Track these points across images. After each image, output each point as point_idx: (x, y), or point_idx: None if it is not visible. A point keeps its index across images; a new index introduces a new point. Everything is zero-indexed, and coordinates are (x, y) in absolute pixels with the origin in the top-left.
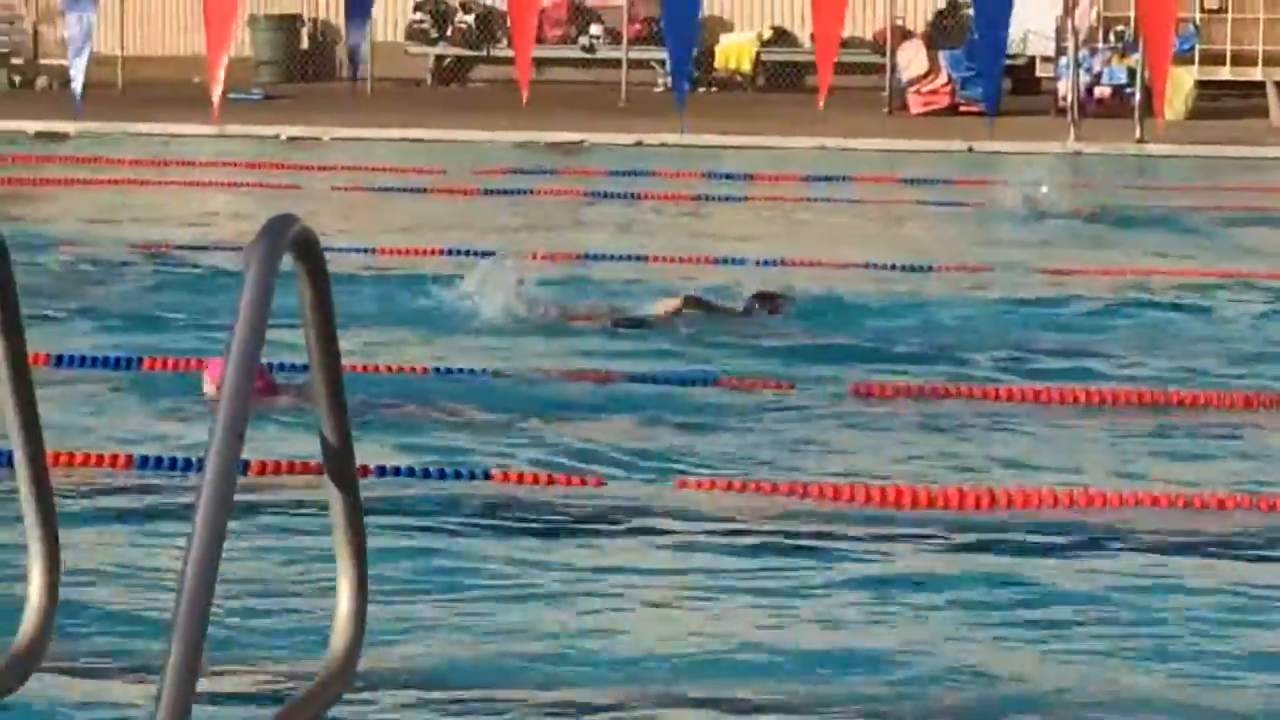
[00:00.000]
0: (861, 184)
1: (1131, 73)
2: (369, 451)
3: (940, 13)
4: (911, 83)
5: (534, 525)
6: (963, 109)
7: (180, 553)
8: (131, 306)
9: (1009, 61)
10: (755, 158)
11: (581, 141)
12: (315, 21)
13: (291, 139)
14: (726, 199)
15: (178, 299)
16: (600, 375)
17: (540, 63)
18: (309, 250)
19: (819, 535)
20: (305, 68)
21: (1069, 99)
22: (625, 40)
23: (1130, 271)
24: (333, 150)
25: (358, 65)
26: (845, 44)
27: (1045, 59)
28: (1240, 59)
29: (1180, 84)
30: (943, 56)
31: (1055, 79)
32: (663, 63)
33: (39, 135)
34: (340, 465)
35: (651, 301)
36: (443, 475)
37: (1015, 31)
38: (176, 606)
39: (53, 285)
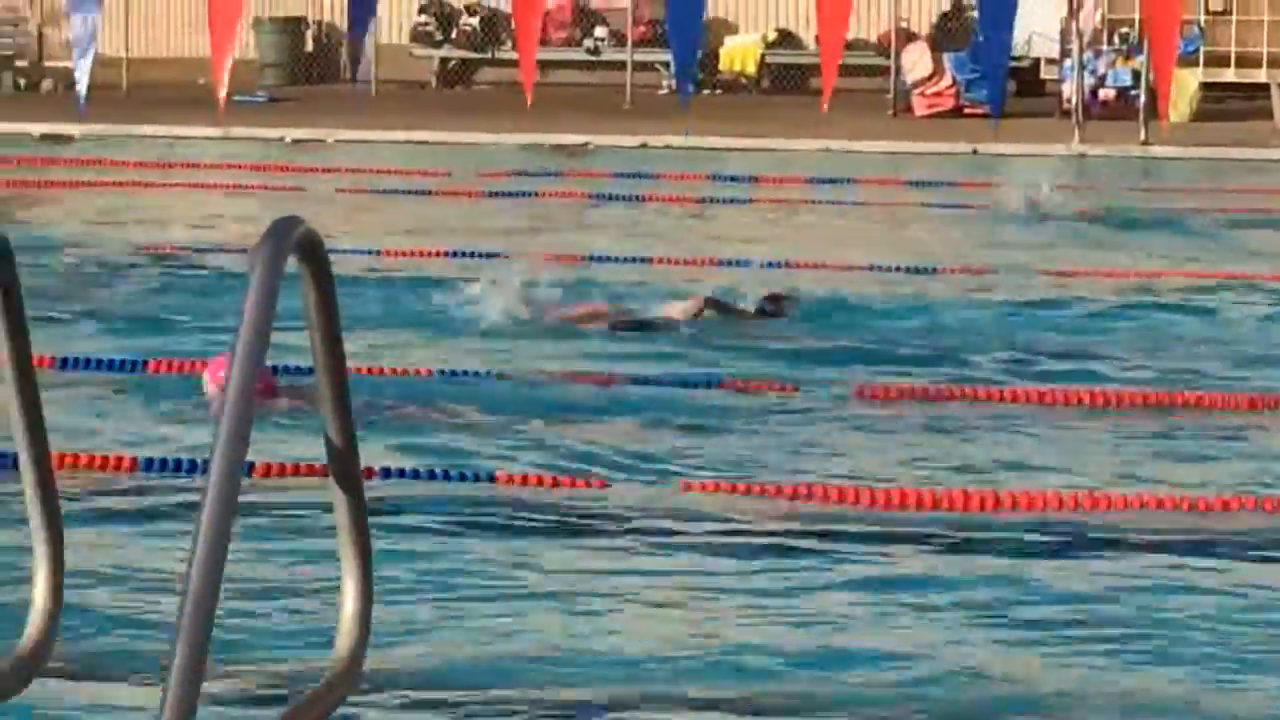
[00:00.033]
0: (866, 186)
1: (1136, 75)
2: (374, 453)
3: (945, 15)
4: (916, 85)
5: (539, 527)
6: (967, 111)
7: (184, 554)
8: (136, 309)
9: (1013, 64)
10: (760, 160)
11: (586, 144)
12: (320, 24)
13: (296, 141)
14: (731, 201)
15: (182, 301)
16: (605, 377)
17: (545, 65)
18: (314, 252)
19: (823, 537)
20: (310, 70)
21: (1073, 101)
22: (630, 42)
23: (1134, 273)
24: (337, 152)
25: (358, 66)
26: (850, 46)
27: (1050, 61)
28: (1245, 61)
29: (1185, 86)
30: (947, 59)
31: (1060, 81)
32: (667, 65)
33: (44, 138)
34: (345, 467)
35: (667, 303)
36: (447, 477)
37: (1020, 34)
38: (181, 608)
39: (57, 287)
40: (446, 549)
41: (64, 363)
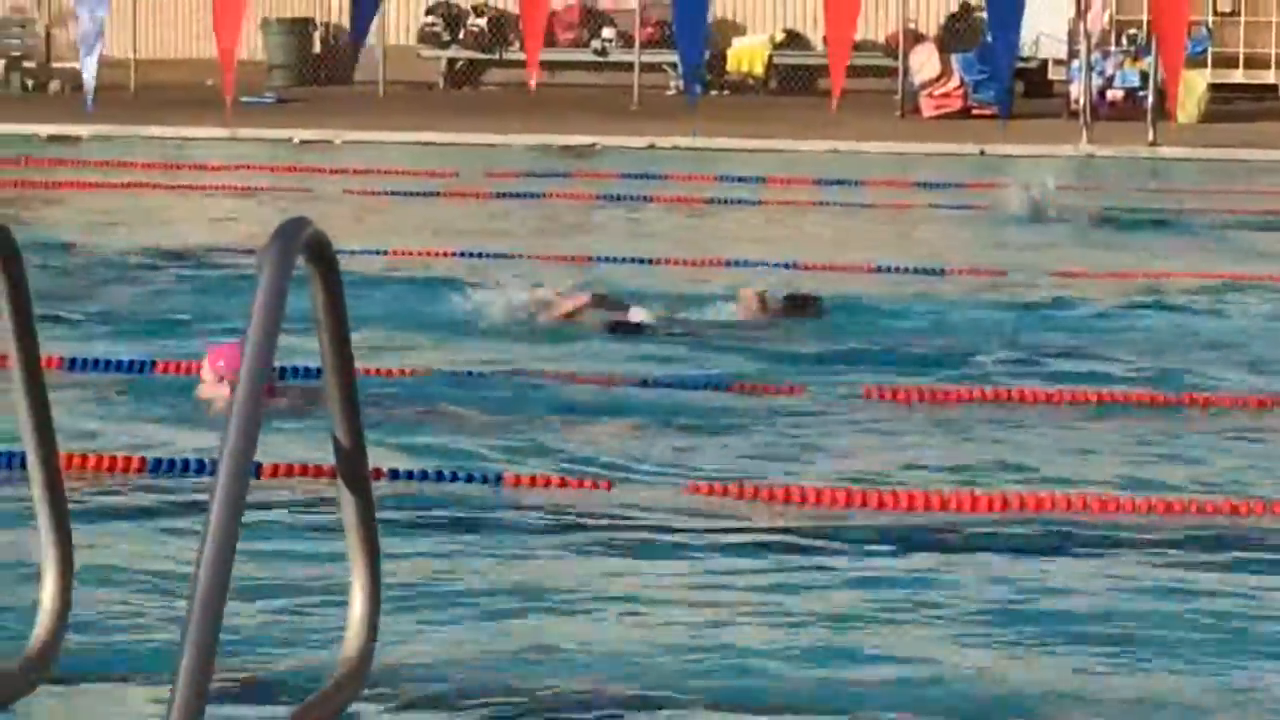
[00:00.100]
0: (874, 187)
1: (1144, 76)
2: (380, 454)
3: (952, 16)
4: (924, 86)
5: (544, 528)
6: (975, 112)
7: (192, 555)
8: (144, 309)
9: (1021, 64)
10: (767, 161)
11: (594, 145)
12: (327, 25)
13: (304, 142)
14: (738, 202)
15: (190, 302)
16: (611, 379)
17: (552, 66)
18: (322, 253)
19: (831, 538)
20: (317, 71)
21: (1081, 102)
22: (637, 43)
23: (1143, 274)
24: (345, 153)
25: (355, 62)
26: (858, 47)
27: (1058, 62)
28: (1253, 62)
29: (1193, 87)
30: (955, 59)
31: (1068, 82)
32: (675, 66)
33: (51, 138)
34: (353, 468)
35: (722, 302)
36: (454, 478)
37: (1027, 34)
38: (189, 608)
39: (65, 288)
40: (452, 550)
41: (72, 363)
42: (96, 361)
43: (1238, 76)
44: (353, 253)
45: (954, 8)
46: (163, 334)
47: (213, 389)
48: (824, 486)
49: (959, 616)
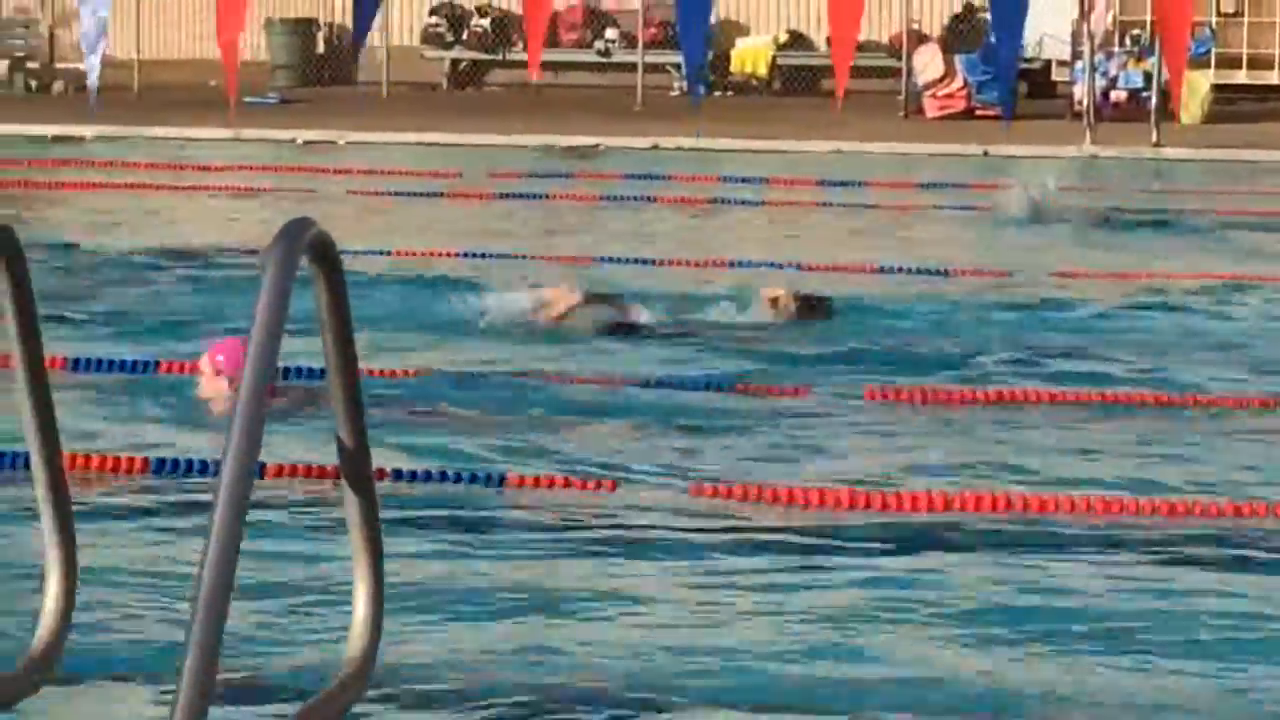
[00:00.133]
0: (877, 188)
1: (1147, 76)
2: (384, 454)
3: (956, 16)
4: (927, 86)
5: (547, 528)
6: (978, 113)
7: (196, 556)
8: (148, 310)
9: (1025, 65)
10: (771, 161)
11: (597, 145)
12: (331, 26)
13: (307, 143)
14: (742, 203)
15: (194, 302)
16: (614, 380)
17: (556, 66)
18: (325, 254)
19: (833, 540)
20: (321, 72)
21: (1085, 103)
22: (641, 44)
23: (1146, 275)
24: (348, 154)
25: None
26: (861, 48)
27: (1061, 63)
28: (1257, 62)
29: (1196, 88)
30: (958, 60)
31: (1071, 83)
32: (678, 66)
33: (55, 139)
34: (357, 468)
35: (750, 303)
36: (458, 479)
37: (1031, 35)
38: (193, 609)
39: (69, 289)
40: (455, 550)
41: (75, 363)
42: (100, 362)
43: (1241, 77)
44: (356, 253)
45: (957, 8)
46: (166, 334)
47: (211, 383)
48: (827, 487)
49: (961, 617)
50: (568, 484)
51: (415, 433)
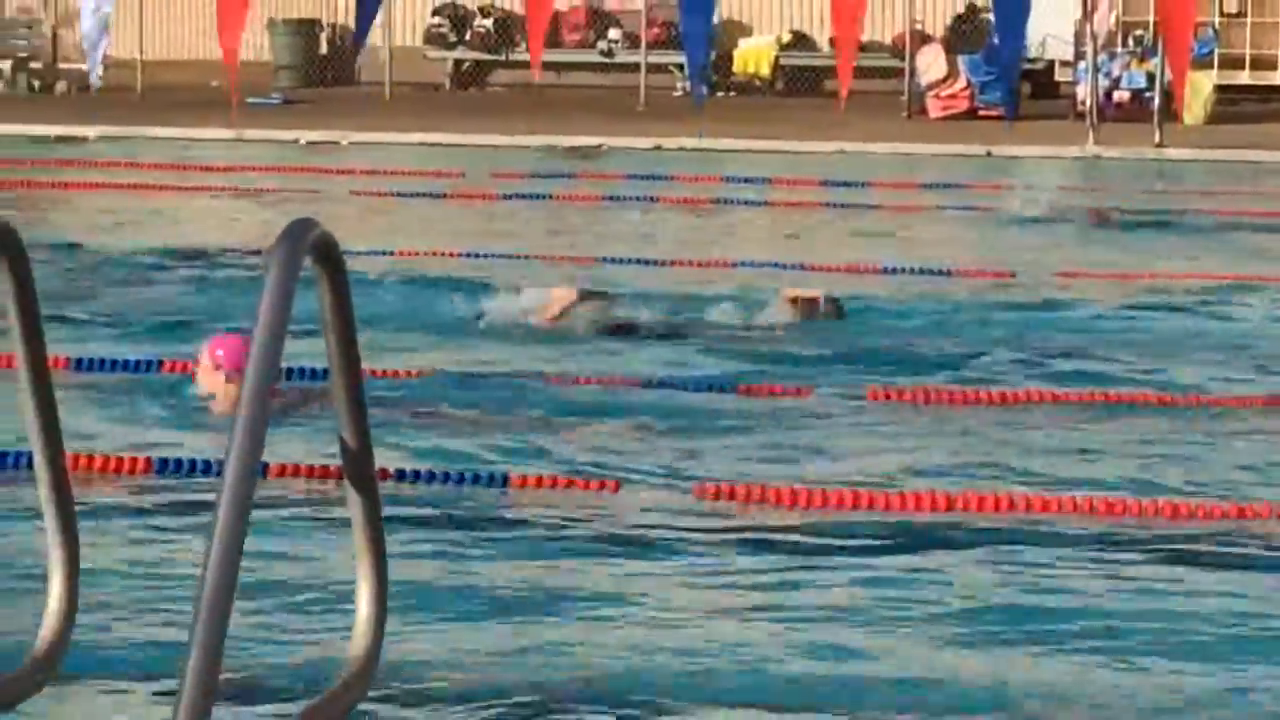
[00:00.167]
0: (880, 188)
1: (1150, 77)
2: (386, 455)
3: (959, 17)
4: (930, 87)
5: (550, 529)
6: (981, 113)
7: (199, 555)
8: (151, 310)
9: (1028, 66)
10: (774, 162)
11: (600, 145)
12: (334, 26)
13: (310, 143)
14: (745, 203)
15: (197, 302)
16: (617, 380)
17: (559, 67)
18: (329, 254)
19: (837, 541)
20: (324, 72)
21: (1088, 103)
22: (644, 44)
23: (1149, 276)
24: (351, 154)
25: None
26: (864, 48)
27: (1064, 63)
28: (1260, 63)
29: (1199, 88)
30: (961, 61)
31: (1074, 83)
32: (681, 67)
33: (58, 139)
34: (360, 469)
35: (772, 305)
36: (461, 479)
37: (1034, 36)
38: (196, 609)
39: (72, 289)
40: (458, 551)
41: (78, 363)
42: (103, 361)
43: (1244, 78)
44: (359, 254)
45: (960, 9)
46: (169, 334)
47: (210, 378)
48: (829, 488)
49: (962, 616)
50: (570, 484)
51: (418, 433)
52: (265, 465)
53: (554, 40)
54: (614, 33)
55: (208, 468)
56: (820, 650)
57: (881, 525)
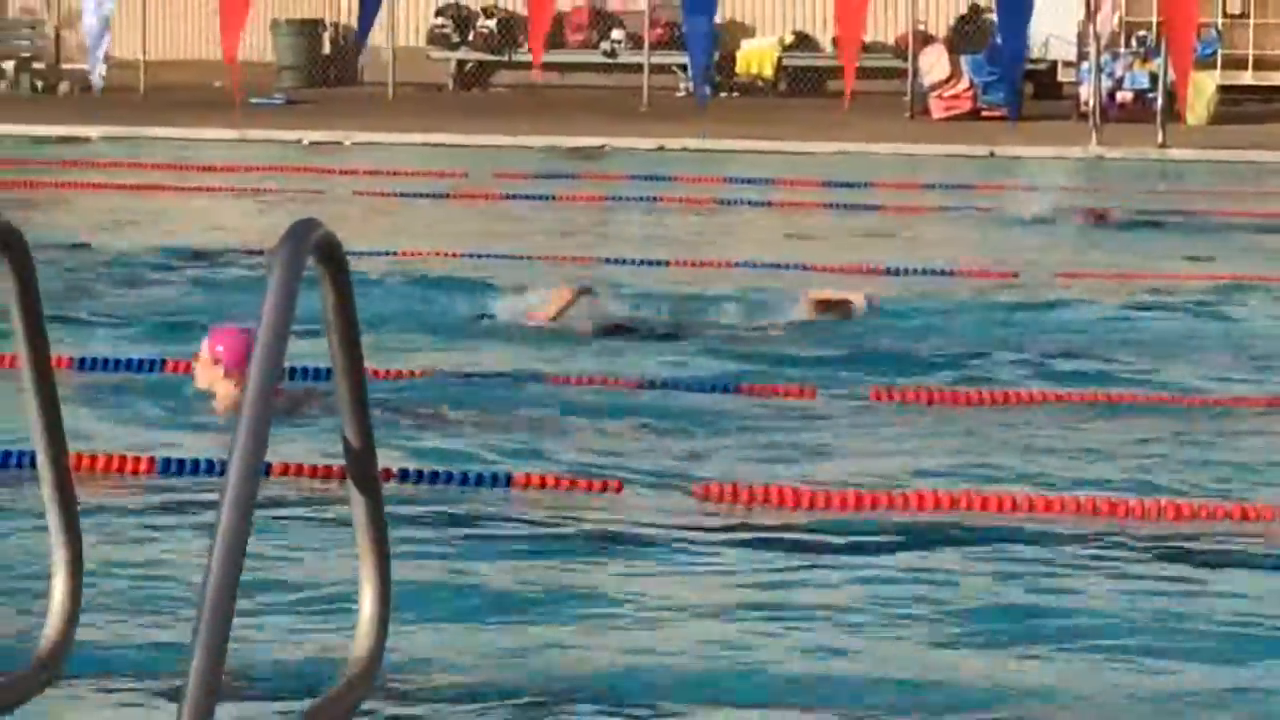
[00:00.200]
0: (883, 189)
1: (1153, 77)
2: (389, 455)
3: (962, 17)
4: (933, 87)
5: (553, 528)
6: (984, 113)
7: (202, 555)
8: (154, 310)
9: (1031, 66)
10: (776, 162)
11: (603, 146)
12: (337, 26)
13: (313, 143)
14: (748, 204)
15: (200, 302)
16: (619, 381)
17: (562, 67)
18: (332, 254)
19: (839, 541)
20: (327, 72)
21: (1091, 104)
22: (646, 45)
23: (1152, 276)
24: (354, 154)
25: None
26: (867, 49)
27: (1067, 64)
28: (1262, 64)
29: (1202, 89)
30: (964, 61)
31: (1077, 84)
32: (684, 68)
33: (61, 140)
34: (363, 469)
35: (795, 306)
36: (464, 480)
37: (1037, 36)
38: (199, 609)
39: (74, 289)
40: (460, 551)
41: (81, 363)
42: (106, 361)
43: (1247, 78)
44: (362, 254)
45: (963, 9)
46: (171, 334)
47: (209, 371)
48: (833, 488)
49: (965, 616)
50: (573, 485)
51: (421, 433)
52: (268, 465)
53: (557, 41)
54: (617, 33)
55: (210, 468)
56: (821, 650)
57: (884, 525)
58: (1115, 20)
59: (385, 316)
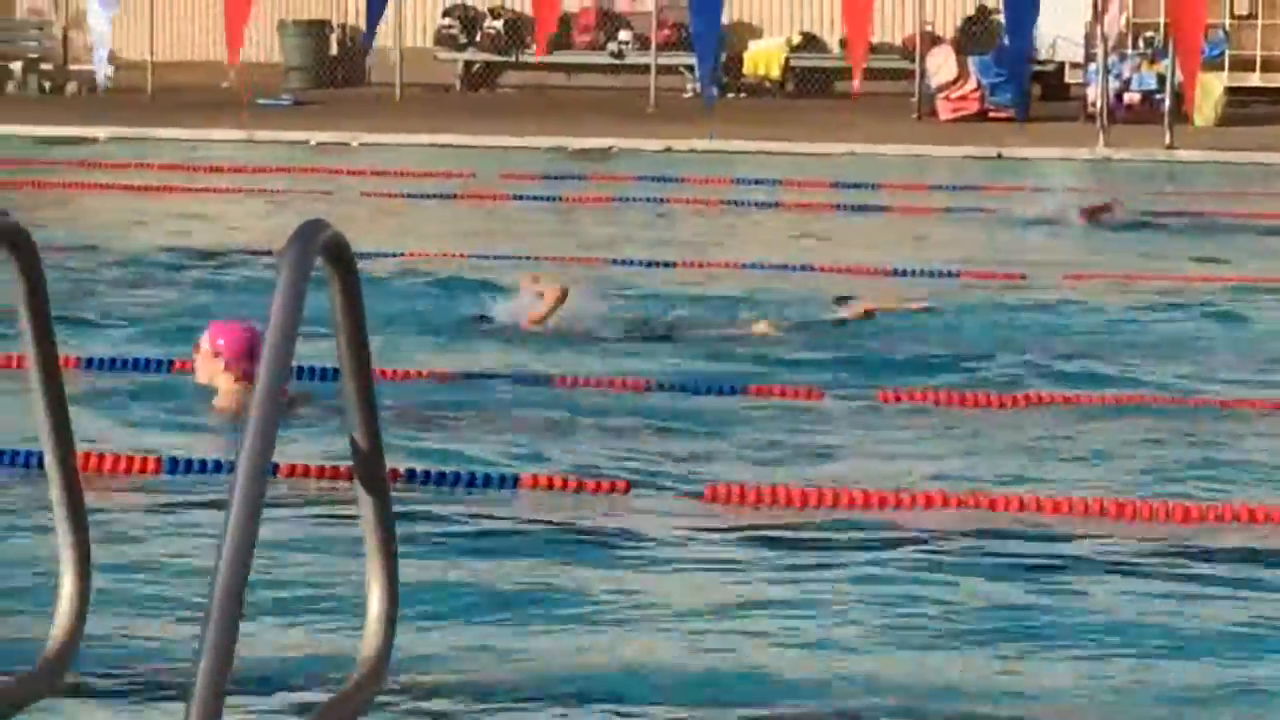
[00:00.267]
0: (890, 190)
1: (1161, 79)
2: (397, 456)
3: (969, 19)
4: (941, 88)
5: (561, 529)
6: (992, 115)
7: (210, 555)
8: (162, 310)
9: (1038, 67)
10: (784, 163)
11: (610, 147)
12: (344, 27)
13: (321, 144)
14: (755, 205)
15: (208, 303)
16: (627, 382)
17: (569, 68)
18: (340, 255)
19: (847, 541)
20: (334, 73)
21: (1098, 105)
22: (654, 46)
23: (1159, 277)
24: (362, 155)
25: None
26: (874, 50)
27: (1074, 65)
28: (1270, 65)
29: (1210, 90)
30: (972, 62)
31: (1084, 85)
32: (691, 68)
33: (69, 140)
34: (371, 469)
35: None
36: (472, 481)
37: (1044, 37)
38: (208, 609)
39: (82, 289)
40: (469, 551)
41: (89, 364)
42: (114, 362)
43: (1254, 80)
44: (369, 255)
45: (971, 10)
46: (179, 335)
47: (208, 364)
48: (840, 489)
49: (971, 618)
50: (580, 486)
51: (429, 434)
52: (276, 465)
53: (564, 42)
54: (624, 34)
55: (218, 467)
56: (827, 650)
57: (891, 526)
58: (1122, 21)
59: (393, 317)
